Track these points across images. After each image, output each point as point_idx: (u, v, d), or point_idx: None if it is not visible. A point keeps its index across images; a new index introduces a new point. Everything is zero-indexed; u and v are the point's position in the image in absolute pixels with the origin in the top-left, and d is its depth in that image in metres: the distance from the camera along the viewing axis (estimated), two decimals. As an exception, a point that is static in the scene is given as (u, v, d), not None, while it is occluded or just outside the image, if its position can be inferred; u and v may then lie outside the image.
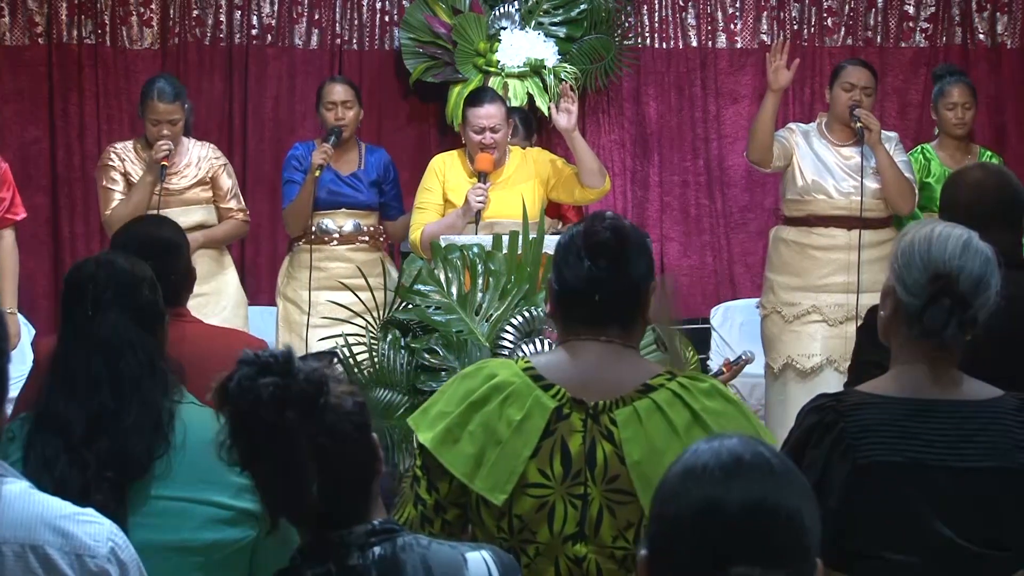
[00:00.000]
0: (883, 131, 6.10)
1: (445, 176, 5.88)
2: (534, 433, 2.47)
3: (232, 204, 6.08)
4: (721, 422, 2.47)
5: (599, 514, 2.46)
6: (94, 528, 1.98)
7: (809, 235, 5.89)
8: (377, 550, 1.88)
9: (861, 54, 7.73)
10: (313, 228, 6.08)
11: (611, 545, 2.46)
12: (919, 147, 6.39)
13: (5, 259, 5.78)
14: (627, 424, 2.47)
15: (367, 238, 6.15)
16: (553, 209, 6.26)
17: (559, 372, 2.53)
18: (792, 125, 6.14)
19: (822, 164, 5.92)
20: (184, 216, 5.85)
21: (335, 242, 6.11)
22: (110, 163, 6.00)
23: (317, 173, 5.93)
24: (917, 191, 5.97)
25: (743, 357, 5.80)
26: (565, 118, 5.80)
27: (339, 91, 6.18)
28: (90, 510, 2.02)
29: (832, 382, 5.61)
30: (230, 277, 6.11)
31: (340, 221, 6.13)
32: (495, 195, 5.68)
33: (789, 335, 5.88)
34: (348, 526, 1.89)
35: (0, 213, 5.81)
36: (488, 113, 5.77)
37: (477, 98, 5.94)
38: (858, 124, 5.82)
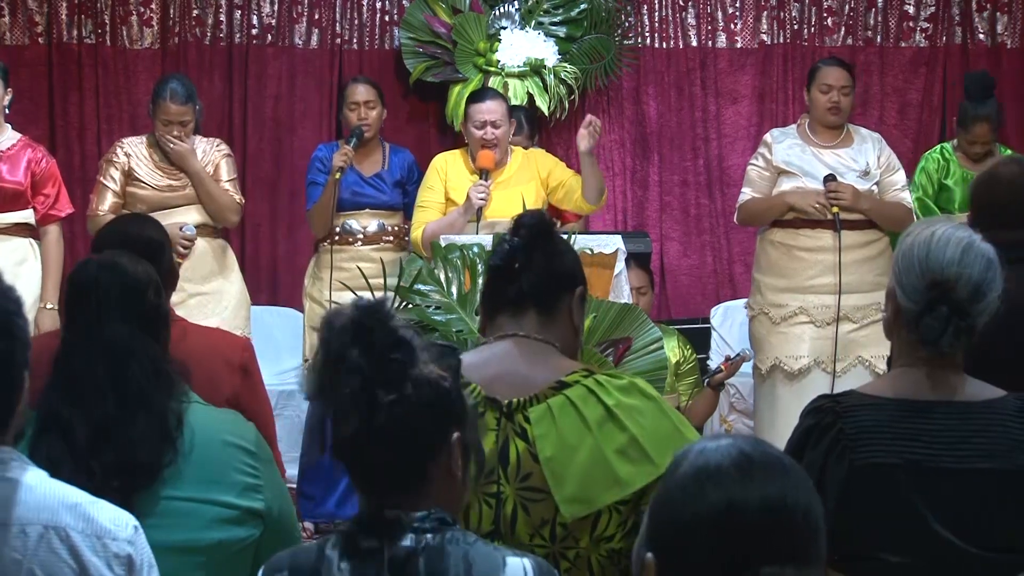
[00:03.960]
0: (867, 131, 6.08)
1: (447, 175, 5.88)
2: None
3: (228, 188, 6.01)
4: (636, 417, 2.45)
5: (513, 512, 2.45)
6: (114, 513, 2.06)
7: (796, 236, 5.86)
8: (428, 537, 1.91)
9: (861, 54, 7.74)
10: (338, 229, 6.08)
11: (528, 543, 2.44)
12: (939, 146, 6.37)
13: (49, 254, 5.82)
14: (540, 421, 2.46)
15: (391, 238, 6.15)
16: (553, 210, 6.25)
17: (476, 371, 2.50)
18: (767, 138, 6.04)
19: (806, 167, 5.88)
20: (188, 216, 5.86)
21: (359, 242, 6.10)
22: (114, 159, 5.97)
23: (337, 176, 5.93)
24: (933, 194, 5.98)
25: (741, 354, 5.81)
26: (586, 143, 5.76)
27: (361, 91, 6.20)
28: (104, 501, 2.08)
29: (820, 383, 5.60)
30: (234, 278, 6.07)
31: (364, 221, 6.12)
32: (496, 195, 5.68)
33: (777, 336, 5.85)
34: (404, 493, 1.92)
35: (45, 209, 5.87)
36: (490, 108, 5.80)
37: (479, 94, 6.01)
38: (835, 214, 5.73)
